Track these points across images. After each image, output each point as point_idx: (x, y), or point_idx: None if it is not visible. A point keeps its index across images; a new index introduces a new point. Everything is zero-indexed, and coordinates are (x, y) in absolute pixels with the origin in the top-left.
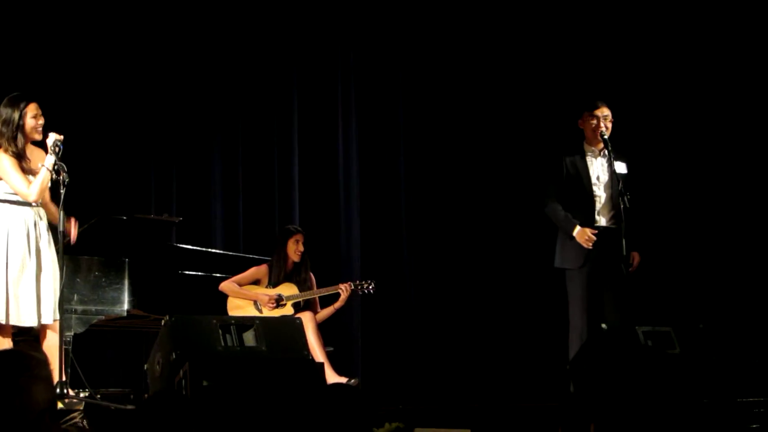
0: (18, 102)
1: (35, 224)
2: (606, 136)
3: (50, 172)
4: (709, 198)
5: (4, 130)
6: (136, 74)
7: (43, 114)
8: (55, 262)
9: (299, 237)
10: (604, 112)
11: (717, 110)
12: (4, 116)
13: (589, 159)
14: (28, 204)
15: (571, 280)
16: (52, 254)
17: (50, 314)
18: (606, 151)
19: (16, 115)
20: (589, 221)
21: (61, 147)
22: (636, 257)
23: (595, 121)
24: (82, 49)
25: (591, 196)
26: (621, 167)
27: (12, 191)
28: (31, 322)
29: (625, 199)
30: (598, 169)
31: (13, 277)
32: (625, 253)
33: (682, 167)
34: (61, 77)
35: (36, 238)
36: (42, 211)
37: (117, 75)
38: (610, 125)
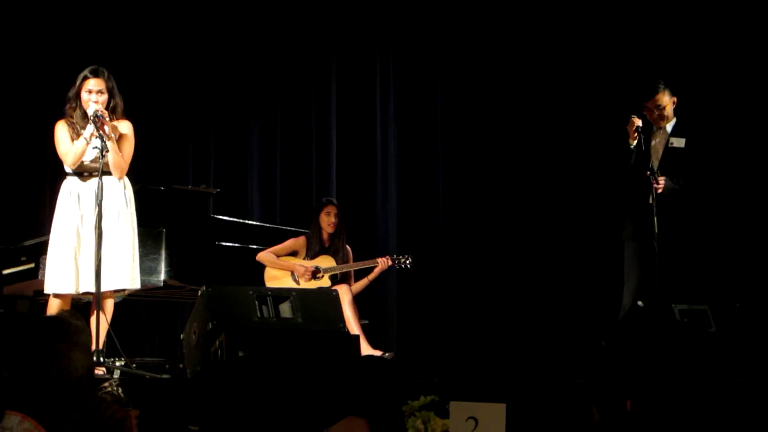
0: (83, 75)
1: (95, 193)
2: (660, 123)
3: (86, 141)
4: (748, 176)
5: (70, 98)
6: (175, 46)
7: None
8: (119, 233)
9: (330, 209)
10: (656, 102)
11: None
12: (74, 85)
13: (631, 141)
14: (87, 173)
15: (625, 252)
16: (114, 226)
17: (112, 281)
18: (666, 129)
19: (77, 88)
20: (644, 195)
21: (101, 117)
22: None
23: (648, 114)
24: (124, 19)
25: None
26: (679, 143)
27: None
28: (65, 289)
29: (656, 179)
30: (655, 145)
31: (54, 248)
32: (656, 231)
33: (719, 139)
34: (103, 49)
35: (92, 206)
36: (108, 182)
37: (156, 46)
38: (668, 110)
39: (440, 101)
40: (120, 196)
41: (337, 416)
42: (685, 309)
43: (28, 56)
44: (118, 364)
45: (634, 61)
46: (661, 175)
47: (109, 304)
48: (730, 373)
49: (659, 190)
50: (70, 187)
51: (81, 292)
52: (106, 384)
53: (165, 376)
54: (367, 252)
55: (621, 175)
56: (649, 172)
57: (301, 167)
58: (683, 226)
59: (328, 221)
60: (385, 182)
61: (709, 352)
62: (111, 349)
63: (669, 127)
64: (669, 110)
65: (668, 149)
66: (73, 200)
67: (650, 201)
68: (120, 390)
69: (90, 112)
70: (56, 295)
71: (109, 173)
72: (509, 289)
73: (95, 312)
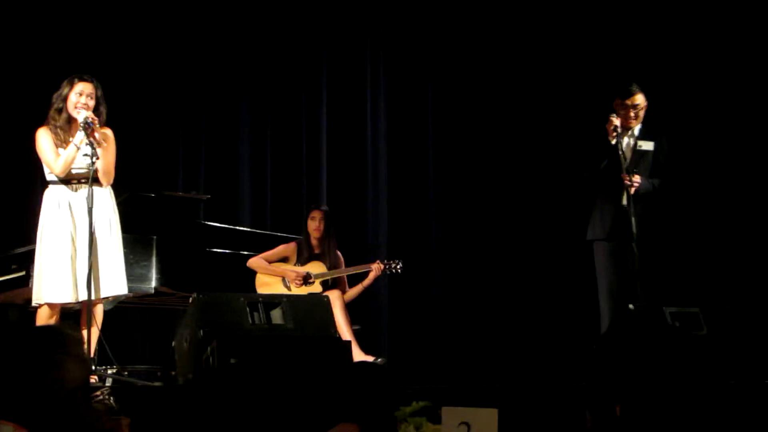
0: (73, 78)
1: (85, 202)
2: (633, 123)
3: (77, 148)
4: (738, 177)
5: (55, 101)
6: (164, 51)
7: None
8: (111, 240)
9: (315, 214)
10: (634, 101)
11: (751, 90)
12: (60, 89)
13: (610, 139)
14: (75, 182)
15: (596, 253)
16: (106, 233)
17: (106, 289)
18: (634, 131)
19: (66, 90)
20: (616, 196)
21: (91, 124)
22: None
23: (624, 111)
24: (112, 23)
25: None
26: (647, 146)
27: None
28: (63, 299)
29: (631, 179)
30: (623, 148)
31: (47, 258)
32: (635, 231)
33: (714, 144)
34: (89, 53)
35: (84, 214)
36: (95, 190)
37: (145, 52)
38: (641, 113)
39: (431, 105)
40: (109, 204)
41: (329, 422)
42: (676, 311)
43: (14, 60)
44: (109, 372)
45: (613, 61)
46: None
47: (99, 311)
48: (721, 376)
49: (633, 190)
50: (57, 196)
51: (80, 300)
52: (98, 392)
53: (156, 383)
54: (357, 257)
55: (593, 176)
56: (625, 172)
57: (291, 173)
58: (658, 227)
59: (314, 226)
60: (375, 187)
61: (700, 354)
62: (102, 356)
63: (636, 130)
64: (641, 115)
65: (637, 152)
66: (64, 210)
67: (623, 202)
68: (111, 399)
69: (80, 118)
70: (48, 305)
71: (96, 180)
72: (501, 294)
73: (86, 320)
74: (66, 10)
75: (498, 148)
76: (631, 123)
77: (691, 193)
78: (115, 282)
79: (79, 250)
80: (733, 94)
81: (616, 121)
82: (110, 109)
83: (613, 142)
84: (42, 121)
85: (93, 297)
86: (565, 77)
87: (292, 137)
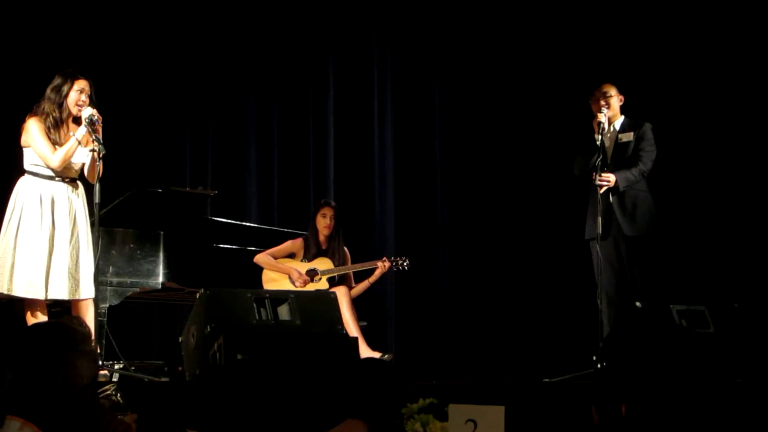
0: (72, 74)
1: (68, 198)
2: (605, 112)
3: (78, 142)
4: (745, 173)
5: (52, 96)
6: (172, 47)
7: (95, 94)
8: (89, 236)
9: (326, 210)
10: (603, 89)
11: (755, 82)
12: (55, 84)
13: (596, 136)
14: (59, 178)
15: (592, 252)
16: (85, 232)
17: (88, 289)
18: (615, 126)
19: (66, 86)
20: (606, 194)
21: (95, 122)
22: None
23: (595, 105)
24: (119, 19)
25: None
26: (627, 137)
27: (38, 162)
28: (59, 295)
29: (600, 178)
30: (605, 144)
31: (23, 250)
32: (623, 229)
33: (718, 140)
34: (97, 50)
35: (66, 211)
36: (78, 188)
37: (153, 47)
38: (613, 101)
39: (438, 101)
40: (86, 202)
41: (336, 419)
42: (683, 309)
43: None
44: (116, 367)
45: (594, 59)
46: (608, 172)
47: (92, 308)
48: (728, 374)
49: (602, 189)
50: (39, 188)
51: (50, 298)
52: (106, 388)
53: (163, 379)
54: (364, 253)
55: (584, 174)
56: (599, 171)
57: (298, 169)
58: (649, 222)
59: (324, 223)
60: (382, 183)
61: (707, 353)
62: (109, 352)
63: (617, 124)
64: (615, 104)
65: (618, 145)
66: (46, 204)
67: (610, 200)
68: (119, 395)
69: (85, 114)
70: (30, 303)
71: (77, 179)
72: (508, 291)
73: (81, 316)
74: (77, 7)
75: (504, 145)
76: (602, 109)
77: (697, 190)
78: (91, 283)
79: (57, 247)
80: (733, 91)
81: (602, 117)
82: (118, 105)
83: (599, 138)
84: (17, 113)
85: (81, 296)
86: (571, 75)
87: (299, 133)
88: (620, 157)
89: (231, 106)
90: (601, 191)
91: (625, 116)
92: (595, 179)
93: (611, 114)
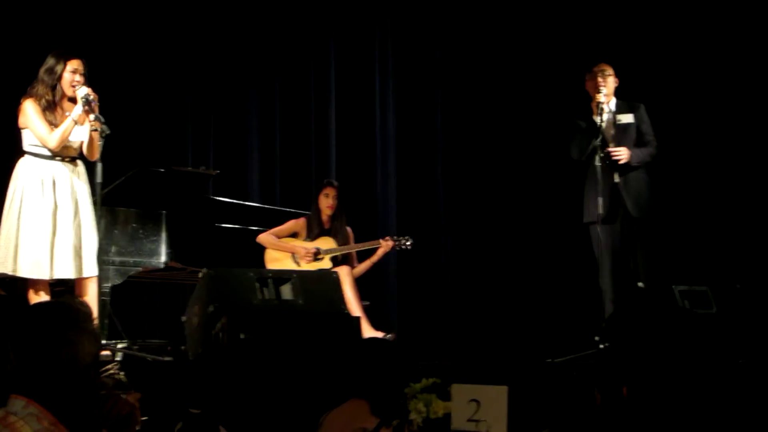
0: (64, 54)
1: (69, 177)
2: (603, 91)
3: (74, 122)
4: (747, 154)
5: (45, 78)
6: (173, 25)
7: (89, 71)
8: (92, 214)
9: (329, 191)
10: (601, 67)
11: (756, 62)
12: (48, 65)
13: (595, 118)
14: (59, 158)
15: (592, 236)
16: (89, 210)
17: (92, 267)
18: (607, 106)
19: (59, 67)
20: (608, 176)
21: (91, 101)
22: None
23: (592, 79)
24: (121, 5)
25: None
26: (627, 118)
27: (37, 143)
28: (65, 274)
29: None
30: (605, 125)
31: (26, 231)
32: (630, 208)
33: (718, 122)
34: (98, 28)
35: (68, 191)
36: (79, 167)
37: (155, 26)
38: (610, 80)
39: (439, 80)
40: (88, 181)
41: (339, 398)
42: (686, 290)
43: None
44: (119, 346)
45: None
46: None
47: (95, 287)
48: (730, 355)
49: (624, 159)
50: (40, 169)
51: (55, 278)
52: (109, 367)
53: (167, 358)
54: (367, 233)
55: (583, 156)
56: (603, 154)
57: (300, 148)
58: (653, 202)
59: (326, 203)
60: (384, 162)
61: (709, 333)
62: (113, 331)
63: (612, 105)
64: (611, 84)
65: (618, 126)
66: (47, 184)
67: (615, 180)
68: (122, 374)
69: (80, 94)
70: (34, 282)
71: (77, 158)
72: (511, 270)
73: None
74: None
75: (506, 124)
76: (600, 88)
77: (698, 170)
78: (95, 261)
79: (60, 226)
80: (732, 73)
81: (601, 97)
82: (120, 85)
83: (598, 119)
84: (15, 93)
85: (85, 274)
86: (572, 60)
87: (300, 113)
88: (622, 139)
89: (233, 85)
90: (622, 162)
91: (618, 99)
92: (595, 160)
93: (607, 92)
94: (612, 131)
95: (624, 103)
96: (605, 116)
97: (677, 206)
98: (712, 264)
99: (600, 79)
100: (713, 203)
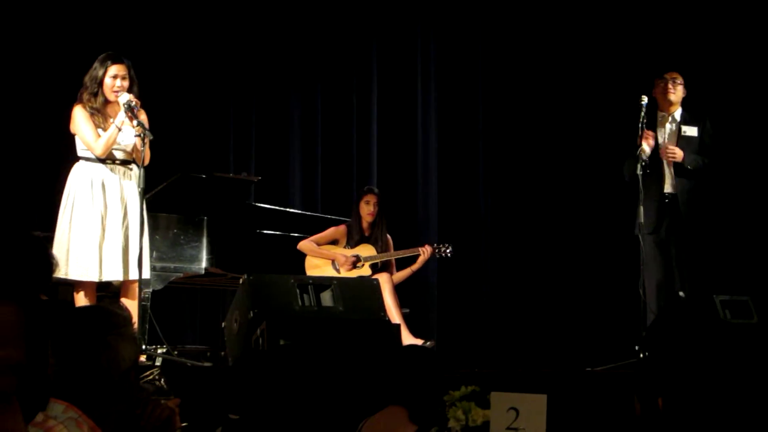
0: (105, 60)
1: (119, 181)
2: (672, 98)
3: (118, 129)
4: None
5: (88, 84)
6: (217, 31)
7: (135, 76)
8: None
9: (370, 197)
10: (672, 75)
11: None
12: (92, 71)
13: (659, 126)
14: (110, 161)
15: (642, 247)
16: (137, 211)
17: (136, 271)
18: (675, 116)
19: (101, 72)
20: (658, 187)
21: (134, 107)
22: None
23: (662, 84)
24: (167, 5)
25: (659, 162)
26: (691, 131)
27: (86, 147)
28: (113, 276)
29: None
30: (666, 134)
31: (77, 234)
32: (684, 219)
33: (758, 131)
34: (143, 34)
35: (117, 194)
36: (131, 170)
37: (198, 32)
38: (680, 88)
39: (481, 89)
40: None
41: (378, 405)
42: (727, 300)
43: (57, 37)
44: (159, 351)
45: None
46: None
47: (135, 291)
48: None
49: (677, 159)
50: (91, 173)
51: (104, 280)
52: (149, 372)
53: (206, 364)
54: (407, 240)
55: (632, 178)
56: (644, 162)
57: (342, 155)
58: (704, 214)
59: (367, 210)
60: (425, 170)
61: (750, 343)
62: (152, 336)
63: (677, 115)
64: (680, 92)
65: (682, 138)
66: (97, 188)
67: (666, 190)
68: (162, 379)
69: (122, 100)
70: (80, 284)
71: (131, 161)
72: (551, 278)
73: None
74: None
75: (548, 134)
76: (669, 95)
77: (740, 179)
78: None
79: (109, 229)
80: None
81: (645, 98)
82: (164, 91)
83: (641, 164)
84: (72, 99)
85: (131, 277)
86: (621, 66)
87: (342, 120)
88: (684, 151)
89: (275, 92)
90: (647, 175)
91: (684, 109)
92: (637, 168)
93: (675, 100)
94: (674, 142)
95: (690, 115)
96: (668, 126)
97: (719, 215)
98: (753, 273)
99: (670, 86)
100: (755, 212)
